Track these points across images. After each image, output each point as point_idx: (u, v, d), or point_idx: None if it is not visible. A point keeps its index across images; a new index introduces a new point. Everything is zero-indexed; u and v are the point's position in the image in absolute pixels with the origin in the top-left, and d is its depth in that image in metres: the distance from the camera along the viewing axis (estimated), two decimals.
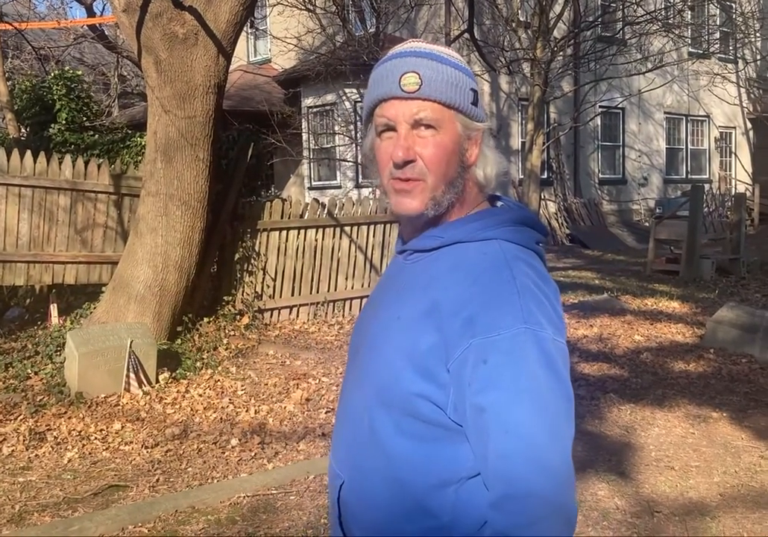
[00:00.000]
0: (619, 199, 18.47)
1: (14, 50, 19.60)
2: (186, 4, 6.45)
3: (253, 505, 4.07)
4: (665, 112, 19.34)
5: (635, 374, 6.41)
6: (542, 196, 15.26)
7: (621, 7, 15.04)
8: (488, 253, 1.28)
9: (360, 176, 14.88)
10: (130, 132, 12.59)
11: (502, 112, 16.16)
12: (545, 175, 16.42)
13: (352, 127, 14.55)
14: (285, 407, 5.70)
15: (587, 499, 4.12)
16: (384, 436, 1.28)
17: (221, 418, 5.47)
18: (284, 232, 8.15)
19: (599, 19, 14.70)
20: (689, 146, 20.20)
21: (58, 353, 6.52)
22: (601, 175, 18.16)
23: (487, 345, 1.18)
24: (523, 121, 15.52)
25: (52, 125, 12.15)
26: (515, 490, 1.14)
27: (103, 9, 20.32)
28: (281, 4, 13.29)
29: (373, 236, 8.85)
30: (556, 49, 13.55)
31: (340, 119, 14.78)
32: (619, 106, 17.34)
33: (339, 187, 15.16)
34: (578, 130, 16.62)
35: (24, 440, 4.89)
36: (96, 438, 5.03)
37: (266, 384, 6.28)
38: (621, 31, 15.03)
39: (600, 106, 16.73)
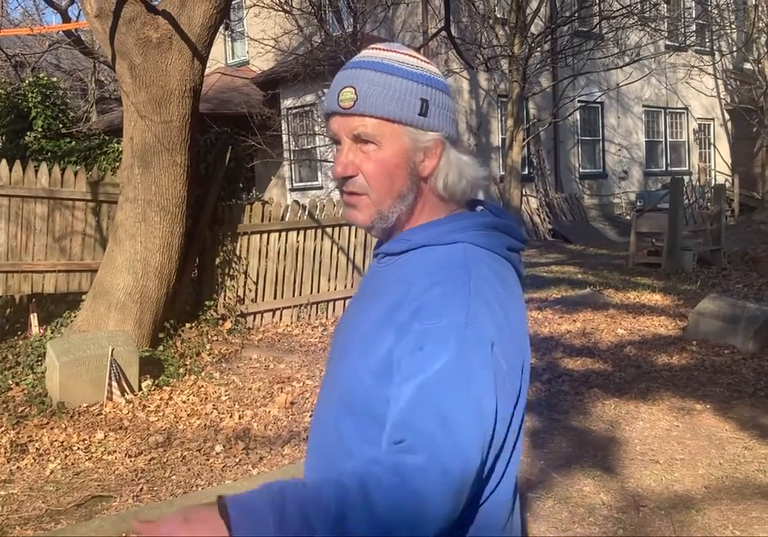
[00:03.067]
0: (600, 193, 18.54)
1: None
2: (159, 8, 6.41)
3: None
4: (644, 106, 19.43)
5: (619, 368, 6.42)
6: (524, 192, 15.30)
7: (597, 1, 15.12)
8: (451, 254, 1.27)
9: (337, 188, 14.87)
10: (107, 138, 12.52)
11: (482, 109, 16.18)
12: (526, 171, 16.46)
13: None
14: (269, 411, 5.67)
15: (573, 496, 4.13)
16: (350, 442, 1.27)
17: (205, 425, 5.44)
18: (265, 235, 8.11)
19: (576, 14, 14.75)
20: (668, 139, 20.31)
21: (39, 363, 6.46)
22: (581, 170, 18.22)
23: (425, 332, 1.16)
24: (503, 118, 15.55)
25: (28, 133, 12.06)
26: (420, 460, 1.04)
27: (79, 14, 20.16)
28: (257, 5, 13.26)
29: (355, 237, 8.83)
30: (533, 45, 13.60)
31: (320, 119, 14.75)
32: (598, 100, 17.41)
33: (321, 187, 15.13)
34: (558, 126, 16.67)
35: (5, 452, 4.84)
36: (79, 448, 4.99)
37: (250, 388, 6.25)
38: (598, 26, 15.12)
39: (579, 101, 16.78)
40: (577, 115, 17.43)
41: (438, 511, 1.03)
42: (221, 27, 15.07)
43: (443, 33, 9.30)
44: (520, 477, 1.41)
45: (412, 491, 1.01)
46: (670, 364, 6.49)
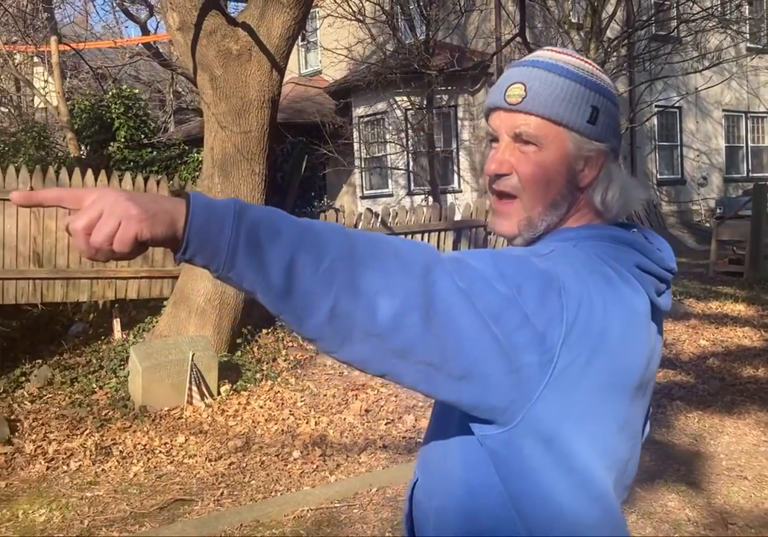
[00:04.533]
0: (678, 199, 18.09)
1: (72, 70, 20.11)
2: (239, 20, 6.54)
3: (316, 519, 4.07)
4: (724, 110, 18.88)
5: (702, 380, 6.24)
6: None
7: (675, 4, 14.78)
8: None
9: (412, 184, 14.87)
10: (186, 148, 12.79)
11: None
12: None
13: (403, 134, 14.55)
14: (344, 418, 5.69)
15: (657, 511, 4.02)
16: (450, 436, 1.24)
17: (282, 430, 5.49)
18: None
19: (653, 18, 14.45)
20: (750, 144, 19.68)
21: (122, 367, 6.64)
22: (659, 176, 17.82)
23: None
24: None
25: (112, 143, 12.40)
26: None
27: (157, 27, 20.78)
28: (331, 15, 13.40)
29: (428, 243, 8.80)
30: (609, 49, 13.37)
31: (391, 127, 14.79)
32: (676, 105, 17.01)
33: (391, 195, 15.16)
34: (634, 131, 16.34)
35: (91, 455, 4.98)
36: (160, 451, 5.10)
37: (325, 395, 6.29)
38: (676, 29, 14.78)
39: (656, 106, 16.42)
40: (655, 120, 17.07)
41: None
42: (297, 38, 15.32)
43: (517, 39, 9.23)
44: None
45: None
46: (755, 377, 6.27)
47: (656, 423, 5.33)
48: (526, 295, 1.07)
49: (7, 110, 17.85)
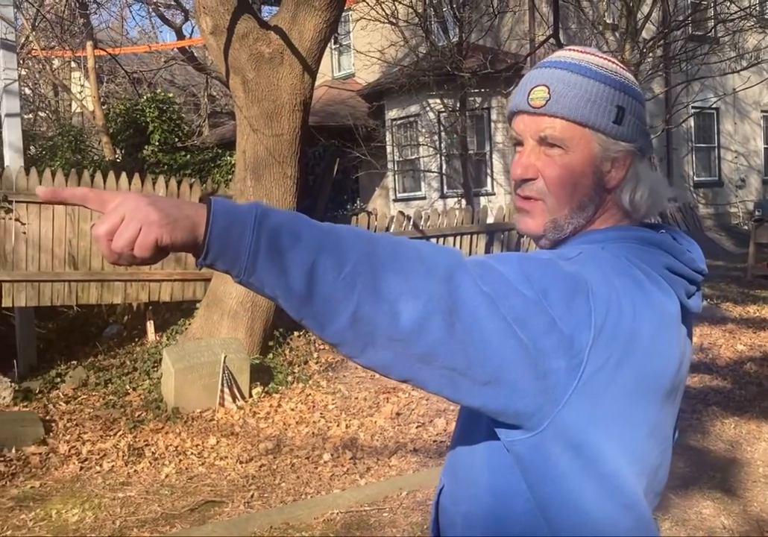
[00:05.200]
0: (715, 202, 17.81)
1: (109, 75, 20.40)
2: (271, 23, 6.57)
3: (346, 522, 4.06)
4: (762, 111, 18.56)
5: (739, 386, 6.13)
6: None
7: (713, 4, 14.57)
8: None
9: (445, 186, 14.83)
10: (220, 151, 12.89)
11: None
12: None
13: (436, 137, 14.52)
14: (375, 422, 5.68)
15: (691, 518, 3.95)
16: (476, 441, 1.22)
17: (313, 433, 5.49)
18: None
19: (690, 18, 14.26)
20: None
21: (155, 369, 6.70)
22: (696, 178, 17.57)
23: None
24: None
25: (146, 147, 12.54)
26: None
27: (192, 31, 20.96)
28: (364, 18, 13.42)
29: (460, 247, 8.78)
30: (645, 50, 13.23)
31: (424, 130, 14.77)
32: (713, 106, 16.77)
33: (424, 198, 15.13)
34: (671, 132, 16.13)
35: (123, 456, 5.03)
36: (192, 453, 5.13)
37: (356, 398, 6.28)
38: (713, 29, 14.57)
39: (693, 107, 16.21)
40: (691, 121, 16.84)
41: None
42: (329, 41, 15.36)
43: (551, 40, 9.17)
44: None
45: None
46: None
47: (691, 429, 5.24)
48: (552, 299, 1.05)
49: (45, 114, 18.15)
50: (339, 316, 1.00)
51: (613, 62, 1.26)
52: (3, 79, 7.36)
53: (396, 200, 15.89)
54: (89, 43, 12.18)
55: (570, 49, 1.27)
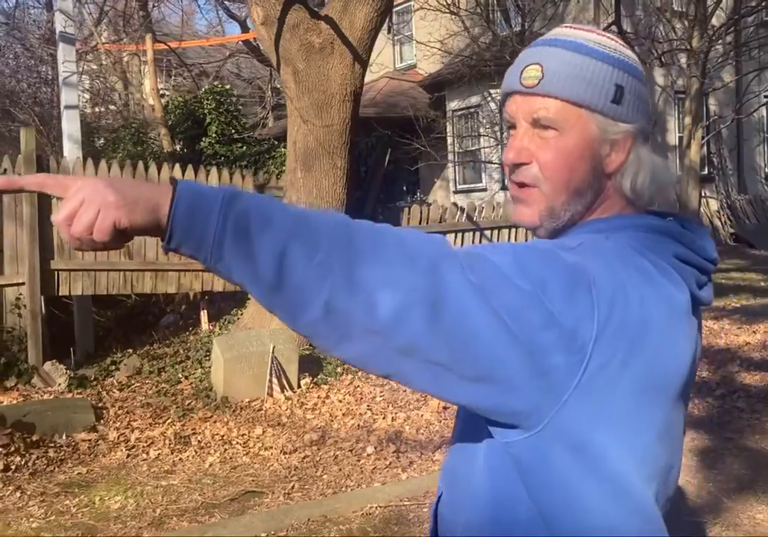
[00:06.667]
0: None
1: (177, 68, 20.75)
2: (322, 14, 6.53)
3: (385, 516, 4.01)
4: None
5: None
6: (703, 194, 14.47)
7: None
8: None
9: (506, 178, 14.66)
10: (275, 143, 12.96)
11: (658, 107, 15.42)
12: (705, 171, 15.56)
13: (497, 128, 14.32)
14: (422, 415, 5.62)
15: (744, 523, 3.78)
16: (475, 447, 1.15)
17: (359, 425, 5.46)
18: None
19: (763, 3, 13.72)
20: None
21: (207, 358, 6.76)
22: (767, 170, 16.98)
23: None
24: (681, 115, 14.76)
25: (203, 138, 12.68)
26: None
27: None
28: (424, 8, 13.30)
29: (515, 239, 8.63)
30: (714, 37, 12.81)
31: (485, 121, 14.59)
32: None
33: (485, 189, 14.96)
34: (741, 122, 15.59)
35: (170, 444, 5.08)
36: (237, 443, 5.15)
37: (404, 390, 6.22)
38: None
39: (765, 96, 15.63)
40: (763, 111, 16.27)
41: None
42: (386, 31, 15.29)
43: (613, 27, 8.92)
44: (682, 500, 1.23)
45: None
46: None
47: (750, 429, 5.03)
48: (551, 292, 0.98)
49: (114, 107, 18.54)
50: (311, 307, 0.95)
51: (613, 39, 1.17)
52: (62, 72, 7.51)
53: (456, 192, 15.77)
54: (148, 37, 12.36)
55: (567, 26, 1.19)
